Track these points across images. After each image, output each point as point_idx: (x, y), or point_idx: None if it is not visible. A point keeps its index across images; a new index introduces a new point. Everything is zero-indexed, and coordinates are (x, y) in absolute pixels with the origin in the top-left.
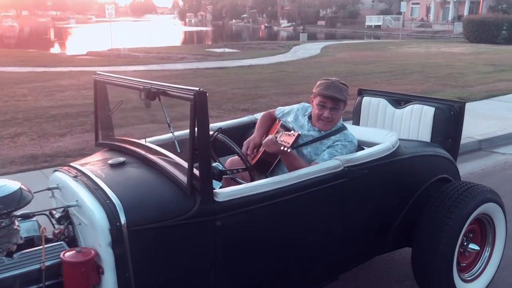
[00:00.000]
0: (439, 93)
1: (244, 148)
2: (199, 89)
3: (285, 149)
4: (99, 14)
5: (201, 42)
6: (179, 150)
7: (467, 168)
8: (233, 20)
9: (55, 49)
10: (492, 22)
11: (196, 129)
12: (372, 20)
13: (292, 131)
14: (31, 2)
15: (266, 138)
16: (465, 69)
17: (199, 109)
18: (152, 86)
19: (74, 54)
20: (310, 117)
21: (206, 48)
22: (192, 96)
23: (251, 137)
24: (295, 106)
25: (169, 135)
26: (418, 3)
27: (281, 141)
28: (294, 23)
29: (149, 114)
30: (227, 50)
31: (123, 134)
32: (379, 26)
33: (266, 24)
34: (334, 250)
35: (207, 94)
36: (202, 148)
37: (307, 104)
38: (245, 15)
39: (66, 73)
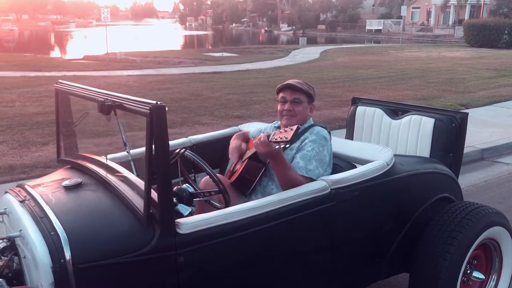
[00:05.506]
0: (439, 99)
1: (234, 145)
2: (157, 102)
3: (284, 145)
4: (100, 18)
5: (200, 46)
6: (135, 174)
7: (468, 180)
8: (233, 24)
9: (53, 53)
10: (494, 26)
11: (153, 149)
12: (373, 24)
13: (289, 127)
14: (31, 6)
15: (257, 138)
16: (466, 74)
17: (157, 126)
18: (107, 98)
19: (70, 58)
20: (278, 128)
21: (204, 52)
22: (148, 111)
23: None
24: (269, 124)
25: (134, 151)
26: (418, 7)
27: (276, 139)
28: (294, 27)
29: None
30: (225, 54)
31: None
32: (379, 30)
33: (266, 28)
34: (322, 283)
35: (202, 99)
36: (161, 171)
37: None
38: (245, 19)
39: (59, 77)
